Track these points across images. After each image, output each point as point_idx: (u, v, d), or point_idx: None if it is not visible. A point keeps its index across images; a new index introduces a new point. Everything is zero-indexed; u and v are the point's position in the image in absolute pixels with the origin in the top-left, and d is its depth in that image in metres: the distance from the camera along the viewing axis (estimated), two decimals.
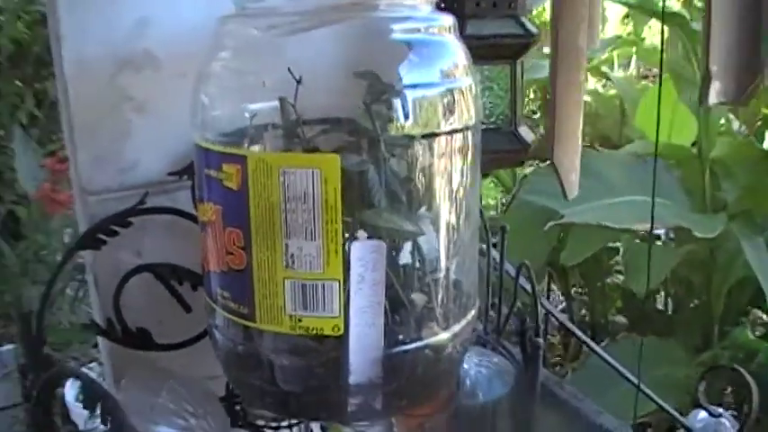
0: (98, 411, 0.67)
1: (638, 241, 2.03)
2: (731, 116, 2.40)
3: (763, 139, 2.15)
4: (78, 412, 2.02)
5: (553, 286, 2.83)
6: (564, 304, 2.68)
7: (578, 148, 0.61)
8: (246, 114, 0.65)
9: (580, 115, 0.59)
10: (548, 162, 1.74)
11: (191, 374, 0.80)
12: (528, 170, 1.86)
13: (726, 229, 1.68)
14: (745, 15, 0.51)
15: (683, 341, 1.88)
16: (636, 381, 1.01)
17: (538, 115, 2.74)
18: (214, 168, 0.64)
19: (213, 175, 0.64)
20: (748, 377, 0.79)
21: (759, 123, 2.17)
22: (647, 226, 1.55)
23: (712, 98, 0.52)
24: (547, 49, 2.67)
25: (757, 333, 1.81)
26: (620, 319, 2.48)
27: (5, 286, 3.07)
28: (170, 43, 0.84)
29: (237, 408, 0.80)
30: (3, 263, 3.04)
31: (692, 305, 2.06)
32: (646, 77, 2.69)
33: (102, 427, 0.78)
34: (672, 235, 2.13)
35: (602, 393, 1.19)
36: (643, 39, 2.47)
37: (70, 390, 2.57)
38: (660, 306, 2.28)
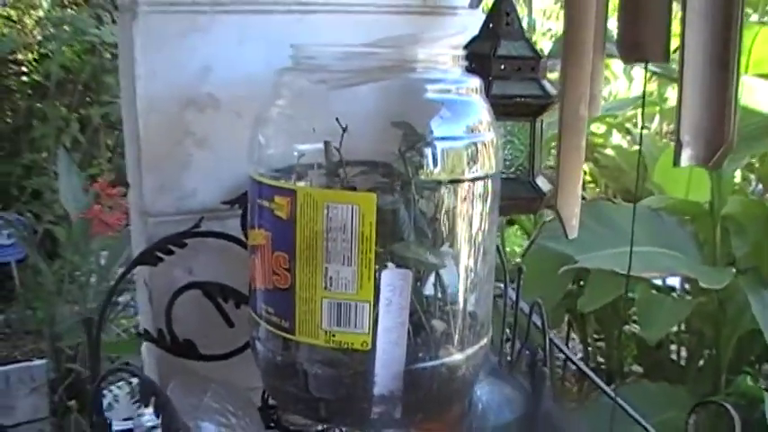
0: (151, 406, 0.76)
1: (654, 292, 2.10)
2: (751, 175, 2.48)
3: None
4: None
5: (573, 334, 2.90)
6: (581, 352, 2.75)
7: (578, 199, 0.70)
8: (295, 153, 0.75)
9: (581, 172, 0.69)
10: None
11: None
12: (547, 219, 1.94)
13: (734, 282, 1.76)
14: (714, 89, 0.60)
15: (693, 388, 1.95)
16: (643, 422, 1.08)
17: None
18: (267, 199, 0.74)
19: (266, 205, 0.74)
20: (732, 411, 0.87)
21: None
22: (655, 275, 1.63)
23: (684, 161, 0.61)
24: None
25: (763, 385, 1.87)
26: (636, 367, 2.54)
27: (39, 303, 3.18)
28: (229, 87, 0.95)
29: (272, 413, 0.89)
30: (38, 281, 3.16)
31: (703, 355, 2.13)
32: (667, 135, 2.77)
33: (147, 423, 0.88)
34: (687, 287, 2.20)
35: None
36: (666, 98, 2.56)
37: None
38: (674, 356, 2.35)
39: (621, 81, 2.67)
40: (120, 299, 2.83)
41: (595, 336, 2.70)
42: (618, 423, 1.18)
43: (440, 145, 0.73)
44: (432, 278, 0.77)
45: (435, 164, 0.73)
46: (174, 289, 0.93)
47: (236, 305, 0.94)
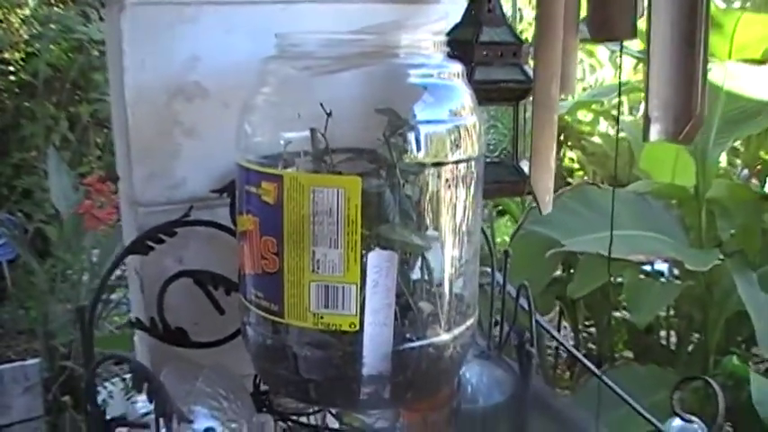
0: (144, 391, 0.77)
1: (643, 276, 2.12)
2: (737, 160, 2.50)
3: (764, 181, 2.26)
4: None
5: (565, 321, 2.92)
6: (572, 338, 2.77)
7: (552, 174, 0.72)
8: (282, 141, 0.77)
9: (553, 148, 0.70)
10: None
11: None
12: (534, 205, 1.95)
13: (721, 265, 1.78)
14: (681, 65, 0.62)
15: (682, 371, 1.97)
16: (630, 401, 1.10)
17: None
18: (254, 185, 0.75)
19: (253, 191, 0.75)
20: (716, 386, 0.89)
21: (759, 167, 2.28)
22: (642, 257, 1.65)
23: (653, 136, 0.62)
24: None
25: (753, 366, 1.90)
26: (627, 353, 2.56)
27: (31, 302, 3.19)
28: (217, 77, 0.96)
29: (263, 398, 0.90)
30: (31, 280, 3.16)
31: (692, 339, 2.16)
32: None
33: (141, 410, 0.89)
34: (676, 272, 2.22)
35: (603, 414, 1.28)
36: None
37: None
38: (664, 340, 2.38)
39: (608, 69, 2.69)
40: (113, 296, 2.84)
41: (586, 322, 2.72)
42: (607, 406, 1.20)
43: (423, 128, 0.75)
44: (418, 261, 0.79)
45: (419, 147, 0.75)
46: (164, 278, 0.94)
47: (226, 292, 0.95)
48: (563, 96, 0.72)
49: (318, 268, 0.72)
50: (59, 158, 3.13)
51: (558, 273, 2.49)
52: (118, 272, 1.03)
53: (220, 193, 0.95)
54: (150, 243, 0.93)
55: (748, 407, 1.49)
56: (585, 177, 2.58)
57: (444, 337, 0.78)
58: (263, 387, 0.92)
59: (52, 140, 3.50)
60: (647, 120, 0.62)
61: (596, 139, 2.40)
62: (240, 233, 0.80)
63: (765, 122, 1.84)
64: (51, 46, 3.70)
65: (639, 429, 1.09)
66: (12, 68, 3.87)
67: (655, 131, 0.63)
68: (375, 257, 0.72)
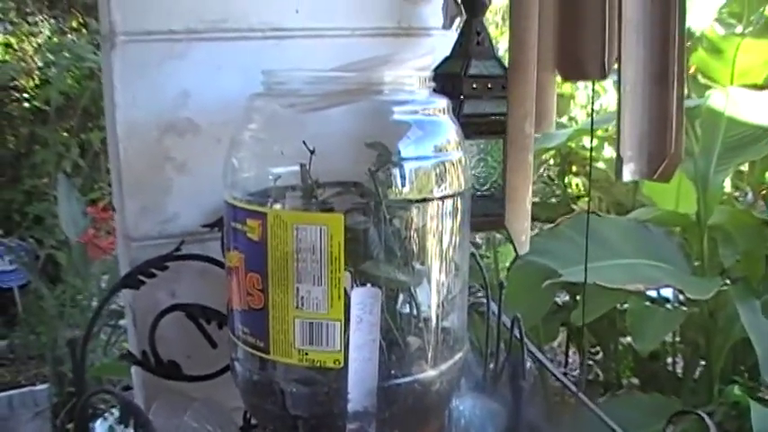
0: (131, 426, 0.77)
1: (648, 303, 2.11)
2: (744, 185, 2.49)
3: None
4: None
5: (574, 348, 2.91)
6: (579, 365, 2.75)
7: (527, 214, 0.72)
8: (270, 177, 0.77)
9: (529, 188, 0.70)
10: (548, 226, 1.85)
11: None
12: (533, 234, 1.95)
13: (725, 293, 1.77)
14: (653, 104, 0.62)
15: (687, 399, 1.96)
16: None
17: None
18: (240, 222, 0.76)
19: (239, 227, 0.76)
20: (709, 421, 0.88)
21: (765, 191, 2.27)
22: (640, 287, 1.65)
23: (626, 176, 0.63)
24: (563, 119, 2.79)
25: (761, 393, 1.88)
26: (634, 379, 2.54)
27: (42, 328, 3.20)
28: (208, 113, 0.97)
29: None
30: (41, 305, 3.18)
31: (698, 366, 2.14)
32: None
33: None
34: (681, 299, 2.21)
35: None
36: None
37: (100, 428, 2.68)
38: (671, 367, 2.36)
39: (611, 94, 2.68)
40: (122, 322, 2.85)
41: (593, 349, 2.71)
42: None
43: (408, 165, 0.75)
44: (405, 296, 0.79)
45: (404, 183, 0.75)
46: (157, 311, 0.95)
47: (218, 326, 0.95)
48: (541, 132, 0.72)
49: (302, 305, 0.73)
50: (70, 185, 3.15)
51: (565, 299, 2.48)
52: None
53: (211, 228, 0.95)
54: (142, 277, 0.93)
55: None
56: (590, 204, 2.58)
57: (431, 372, 0.78)
58: (254, 421, 0.92)
59: (63, 167, 3.52)
60: (619, 160, 0.63)
61: (601, 165, 2.39)
62: (228, 269, 0.81)
63: (766, 148, 1.84)
64: (63, 74, 3.73)
65: None
66: (25, 95, 3.91)
67: (628, 171, 0.63)
68: (359, 294, 0.72)
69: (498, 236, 2.72)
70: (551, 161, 2.77)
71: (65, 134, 3.70)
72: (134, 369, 1.08)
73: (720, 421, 1.66)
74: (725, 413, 1.66)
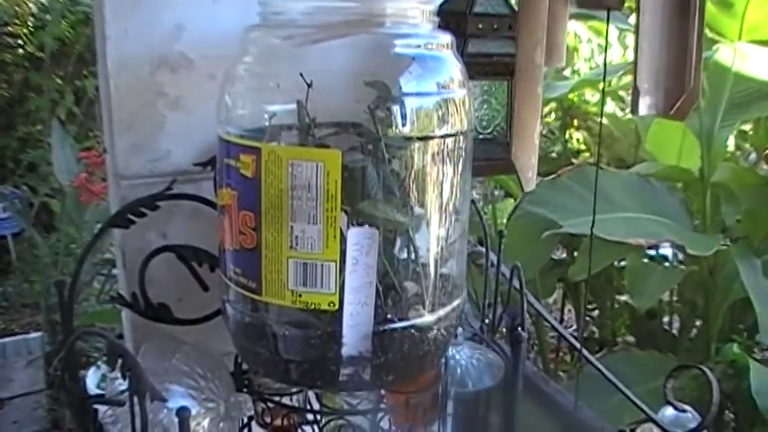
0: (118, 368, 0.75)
1: (646, 261, 2.09)
2: (747, 144, 2.46)
3: None
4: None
5: (569, 305, 2.90)
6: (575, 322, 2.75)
7: (535, 149, 0.69)
8: (266, 114, 0.74)
9: (537, 121, 0.68)
10: (550, 176, 1.82)
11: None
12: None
13: (725, 251, 1.75)
14: (673, 37, 0.58)
15: (684, 357, 1.95)
16: (625, 390, 1.07)
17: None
18: (233, 158, 0.73)
19: (232, 163, 0.73)
20: (711, 375, 0.86)
21: (767, 152, 2.24)
22: (641, 241, 1.62)
23: (642, 110, 0.60)
24: (566, 72, 2.74)
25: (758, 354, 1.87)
26: (630, 337, 2.54)
27: (36, 276, 3.19)
28: (203, 47, 0.93)
29: (244, 377, 0.88)
30: (35, 254, 3.16)
31: (695, 325, 2.13)
32: None
33: (120, 387, 0.87)
34: (681, 257, 2.19)
35: (593, 402, 1.25)
36: None
37: (93, 376, 2.67)
38: (667, 326, 2.35)
39: (616, 48, 2.64)
40: (115, 270, 2.83)
41: (590, 306, 2.70)
42: (602, 392, 1.17)
43: (409, 101, 0.72)
44: (403, 239, 0.76)
45: (404, 120, 0.72)
46: (147, 252, 0.92)
47: (210, 269, 0.93)
48: (551, 66, 0.68)
49: (297, 245, 0.70)
50: (63, 132, 3.12)
51: (562, 255, 2.46)
52: None
53: (204, 167, 0.93)
54: (132, 216, 0.90)
55: (749, 396, 1.46)
56: (592, 159, 2.55)
57: (428, 318, 0.76)
58: (245, 366, 0.90)
59: (57, 114, 3.49)
60: (635, 93, 0.60)
61: (604, 120, 2.36)
62: (220, 207, 0.78)
63: None
64: (58, 19, 3.68)
65: (635, 416, 1.07)
66: (19, 41, 3.86)
67: (644, 105, 0.60)
68: (355, 234, 0.69)
69: (496, 192, 2.69)
70: (552, 115, 2.74)
71: (59, 81, 3.67)
72: (124, 313, 1.06)
73: (717, 380, 1.64)
74: (722, 371, 1.64)
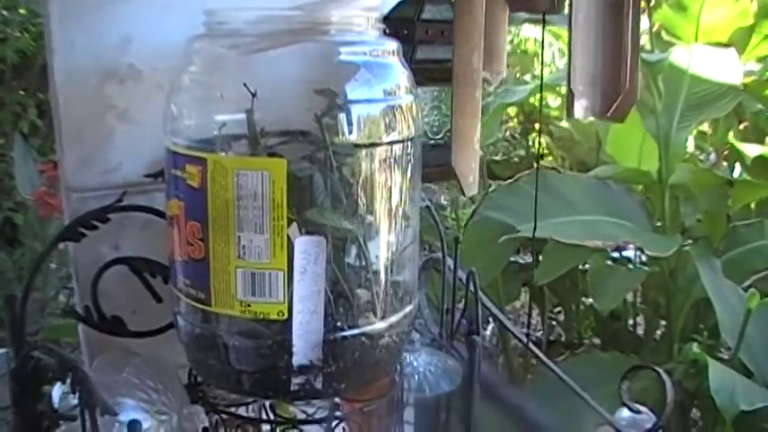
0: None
1: (609, 263, 2.10)
2: (707, 145, 2.49)
3: (733, 166, 2.24)
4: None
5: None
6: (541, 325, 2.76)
7: (476, 154, 0.69)
8: (214, 125, 0.74)
9: (477, 125, 0.68)
10: (508, 180, 1.83)
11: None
12: (491, 189, 1.93)
13: (685, 251, 1.77)
14: (608, 37, 0.59)
15: (648, 358, 1.96)
16: (581, 392, 1.08)
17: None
18: (179, 168, 0.72)
19: (179, 174, 0.73)
20: (664, 376, 0.87)
21: (727, 151, 2.26)
22: (598, 243, 1.63)
23: (578, 113, 0.60)
24: (527, 77, 2.76)
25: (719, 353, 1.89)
26: (596, 340, 2.55)
27: (0, 291, 3.15)
28: (151, 58, 0.92)
29: (198, 389, 0.87)
30: None
31: (659, 326, 2.14)
32: None
33: (73, 401, 0.86)
34: (644, 259, 2.21)
35: (556, 405, 1.25)
36: None
37: (56, 391, 2.64)
38: (632, 327, 2.37)
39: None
40: None
41: (556, 309, 2.71)
42: (563, 395, 1.18)
43: (355, 108, 0.72)
44: (354, 247, 0.76)
45: (351, 128, 0.72)
46: (100, 265, 0.91)
47: (164, 280, 0.92)
48: (493, 73, 0.69)
49: (244, 254, 0.70)
50: (26, 145, 3.09)
51: (528, 259, 2.47)
52: None
53: (155, 178, 0.92)
54: (83, 230, 0.90)
55: (711, 394, 1.48)
56: (554, 163, 2.56)
57: (379, 325, 0.76)
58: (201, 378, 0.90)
59: (20, 127, 3.45)
60: (570, 95, 0.60)
61: (564, 124, 2.38)
62: (168, 218, 0.77)
63: (729, 106, 1.83)
64: (19, 32, 3.65)
65: (594, 419, 1.07)
66: None
67: (580, 108, 0.60)
68: (302, 243, 0.69)
69: (463, 198, 2.70)
70: (515, 119, 2.75)
71: (21, 93, 3.63)
72: (80, 326, 1.05)
73: (679, 379, 1.66)
74: (684, 371, 1.66)
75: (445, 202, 2.71)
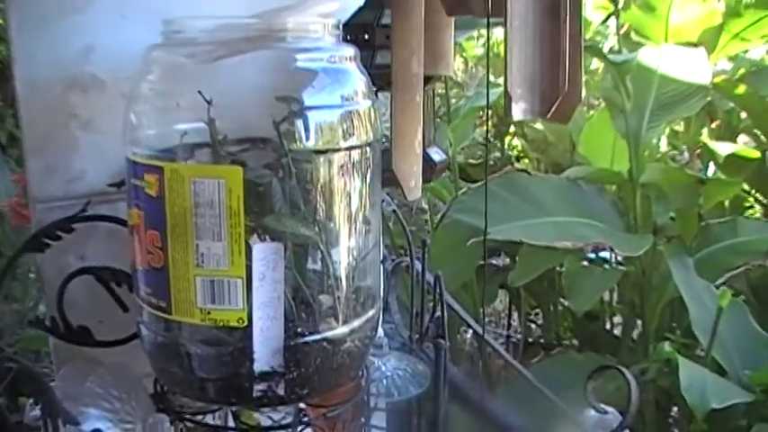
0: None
1: (585, 264, 2.12)
2: (681, 144, 2.50)
3: (707, 164, 2.26)
4: None
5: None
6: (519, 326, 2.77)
7: (417, 158, 0.70)
8: (175, 133, 0.74)
9: (418, 129, 0.68)
10: (477, 183, 1.84)
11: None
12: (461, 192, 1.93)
13: (658, 251, 1.78)
14: (544, 39, 0.59)
15: (624, 358, 1.97)
16: (548, 393, 1.09)
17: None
18: (138, 178, 0.73)
19: (138, 183, 0.73)
20: (628, 375, 0.87)
21: (700, 150, 2.28)
22: (568, 244, 1.64)
23: (517, 115, 0.60)
24: (500, 79, 2.76)
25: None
26: (574, 341, 2.56)
27: None
28: (113, 67, 0.92)
29: (164, 397, 0.87)
30: None
31: (636, 325, 2.15)
32: (592, 107, 2.79)
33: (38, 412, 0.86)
34: (620, 259, 2.22)
35: (529, 407, 1.26)
36: (593, 70, 2.58)
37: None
38: (609, 326, 2.38)
39: None
40: None
41: (535, 310, 2.72)
42: (535, 397, 1.18)
43: (313, 114, 0.72)
44: (314, 252, 0.76)
45: (308, 134, 0.72)
46: (65, 275, 0.91)
47: (129, 289, 0.91)
48: (438, 74, 0.69)
49: (203, 262, 0.70)
50: (2, 155, 3.08)
51: (506, 261, 2.48)
52: None
53: (119, 187, 0.92)
54: (47, 240, 0.90)
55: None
56: (530, 166, 2.57)
57: (341, 330, 0.76)
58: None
59: None
60: (507, 98, 0.60)
61: (538, 126, 2.39)
62: (129, 227, 0.78)
63: (698, 105, 1.84)
64: None
65: (567, 420, 1.08)
66: None
67: (518, 110, 0.60)
68: (260, 249, 0.70)
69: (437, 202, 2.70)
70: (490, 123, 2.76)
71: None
72: (49, 336, 1.05)
73: (654, 378, 1.67)
74: (658, 370, 1.66)
75: (425, 206, 2.72)
